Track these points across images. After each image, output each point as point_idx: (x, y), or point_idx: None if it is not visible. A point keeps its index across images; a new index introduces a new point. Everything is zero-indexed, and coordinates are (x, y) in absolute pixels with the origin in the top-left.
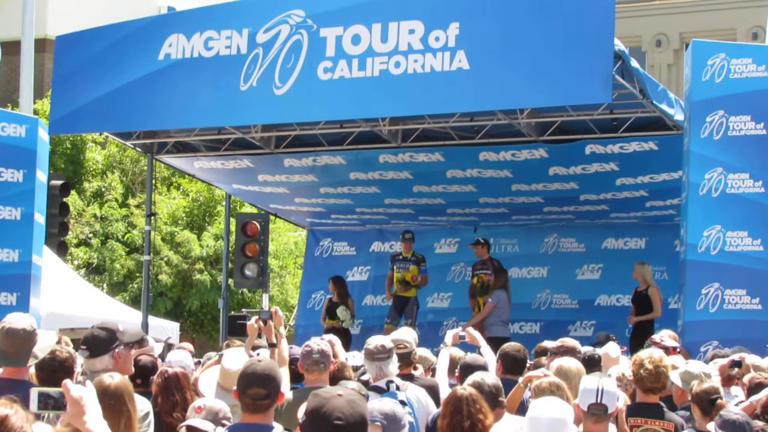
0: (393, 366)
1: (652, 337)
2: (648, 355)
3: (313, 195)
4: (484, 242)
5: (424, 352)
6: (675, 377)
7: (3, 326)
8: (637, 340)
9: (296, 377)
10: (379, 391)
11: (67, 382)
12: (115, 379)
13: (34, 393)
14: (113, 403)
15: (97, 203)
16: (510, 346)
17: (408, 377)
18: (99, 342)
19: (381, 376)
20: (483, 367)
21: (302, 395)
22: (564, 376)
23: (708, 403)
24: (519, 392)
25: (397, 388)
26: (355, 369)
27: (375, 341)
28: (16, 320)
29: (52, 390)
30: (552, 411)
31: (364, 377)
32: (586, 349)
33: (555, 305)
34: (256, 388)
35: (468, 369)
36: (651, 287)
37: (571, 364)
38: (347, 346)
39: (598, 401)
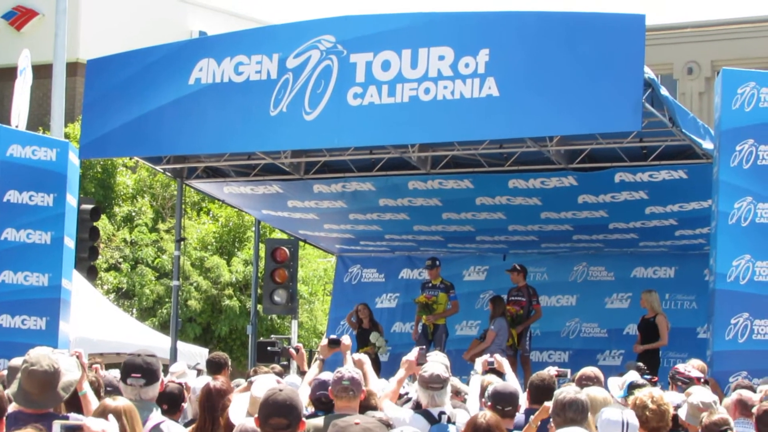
0: (446, 396)
1: (677, 367)
2: (648, 394)
3: (343, 221)
4: (521, 269)
5: (452, 380)
6: (681, 413)
7: (24, 366)
8: None
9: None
10: (430, 419)
11: (88, 419)
12: (118, 401)
13: (56, 426)
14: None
15: (127, 228)
16: (537, 376)
17: None
18: (154, 370)
19: (432, 405)
20: (514, 394)
21: (331, 422)
22: (591, 405)
23: None
24: (540, 415)
25: (448, 420)
26: (405, 395)
27: (431, 369)
28: (38, 360)
29: (74, 423)
30: None
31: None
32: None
33: (584, 334)
34: (277, 418)
35: (499, 396)
36: (659, 315)
37: (598, 393)
38: (378, 374)
39: None
